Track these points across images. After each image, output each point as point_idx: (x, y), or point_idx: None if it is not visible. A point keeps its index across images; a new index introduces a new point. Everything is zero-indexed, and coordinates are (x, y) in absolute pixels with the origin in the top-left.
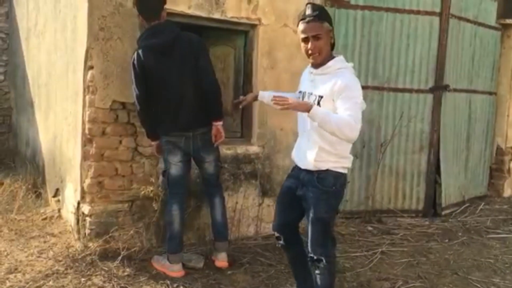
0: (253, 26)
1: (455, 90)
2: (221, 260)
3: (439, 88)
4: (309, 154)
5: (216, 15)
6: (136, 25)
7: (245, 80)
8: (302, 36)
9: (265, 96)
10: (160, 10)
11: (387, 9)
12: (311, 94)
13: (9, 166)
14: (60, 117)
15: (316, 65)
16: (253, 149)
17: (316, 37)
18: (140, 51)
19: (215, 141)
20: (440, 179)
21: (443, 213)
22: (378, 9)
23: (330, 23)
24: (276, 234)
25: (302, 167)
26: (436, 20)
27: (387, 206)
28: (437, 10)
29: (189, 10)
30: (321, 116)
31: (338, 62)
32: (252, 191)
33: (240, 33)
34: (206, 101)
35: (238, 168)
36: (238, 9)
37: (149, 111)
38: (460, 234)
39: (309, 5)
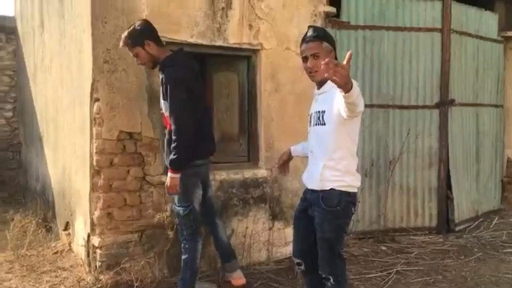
0: (256, 51)
1: (461, 104)
2: (238, 278)
3: (444, 103)
4: (314, 173)
5: (219, 42)
6: None
7: (250, 105)
8: (302, 55)
9: (298, 149)
10: None
11: (388, 28)
12: (317, 112)
13: (20, 201)
14: (69, 150)
15: (318, 85)
16: (261, 172)
17: (314, 56)
18: (183, 71)
19: None
20: (452, 194)
21: (456, 229)
22: (379, 28)
23: (331, 43)
24: (297, 260)
25: (309, 187)
26: (437, 36)
27: (400, 225)
28: (438, 26)
29: (192, 39)
30: (357, 89)
31: None
32: (262, 215)
33: (242, 59)
34: None
35: (247, 193)
36: (240, 35)
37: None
38: (475, 250)
39: (310, 28)
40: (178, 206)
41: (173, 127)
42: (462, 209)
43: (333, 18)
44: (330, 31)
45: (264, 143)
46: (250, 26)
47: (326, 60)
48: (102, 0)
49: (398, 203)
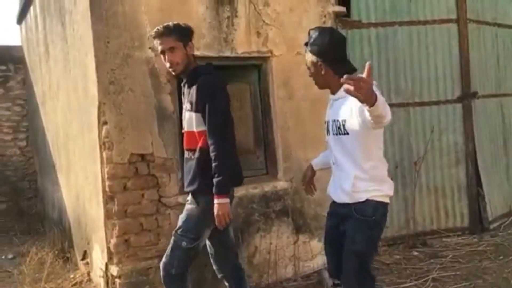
0: (266, 59)
1: (484, 96)
2: None
3: (467, 96)
4: (345, 186)
5: (227, 53)
6: (146, 73)
7: (263, 114)
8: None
9: (319, 162)
10: None
11: (401, 23)
12: (335, 120)
13: (38, 231)
14: (81, 177)
15: (332, 91)
16: (281, 184)
17: (309, 68)
18: (222, 85)
19: None
20: (483, 191)
21: (491, 227)
22: (392, 24)
23: (319, 53)
24: (335, 281)
25: (339, 201)
26: (454, 27)
27: (430, 227)
28: (453, 16)
29: (198, 52)
30: (382, 101)
31: None
32: (285, 229)
33: (253, 68)
34: None
35: (268, 207)
36: (248, 43)
37: None
38: None
39: (310, 31)
40: (182, 236)
41: (214, 142)
42: (495, 205)
43: (344, 18)
44: (341, 31)
45: (282, 154)
46: (258, 34)
47: (345, 76)
48: (103, 20)
49: (427, 205)
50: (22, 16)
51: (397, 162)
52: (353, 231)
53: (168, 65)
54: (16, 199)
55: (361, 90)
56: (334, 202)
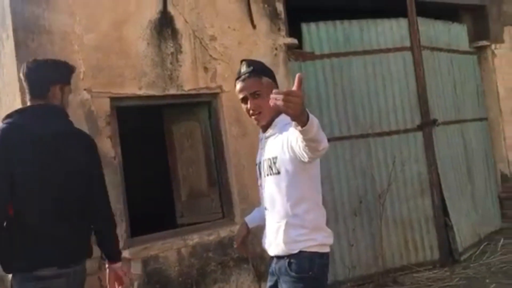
0: (215, 95)
1: (444, 123)
2: None
3: (427, 124)
4: (276, 235)
5: (172, 91)
6: (82, 118)
7: (217, 154)
8: (240, 96)
9: (255, 218)
10: None
11: (355, 53)
12: (264, 160)
13: None
14: None
15: (263, 128)
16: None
17: (254, 94)
18: None
19: None
20: (451, 221)
21: (461, 258)
22: (345, 54)
23: (271, 77)
24: None
25: (272, 254)
26: (408, 54)
27: (400, 263)
28: (407, 44)
29: (141, 91)
30: (314, 119)
31: (284, 116)
32: (246, 277)
33: (202, 105)
34: None
35: (225, 254)
36: (195, 80)
37: None
38: (488, 280)
39: (243, 62)
40: None
41: None
42: (464, 235)
43: (296, 50)
44: (294, 64)
45: (238, 195)
46: (206, 69)
47: (274, 91)
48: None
49: (395, 239)
50: None
51: (361, 196)
52: None
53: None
54: None
55: (290, 104)
56: (271, 257)
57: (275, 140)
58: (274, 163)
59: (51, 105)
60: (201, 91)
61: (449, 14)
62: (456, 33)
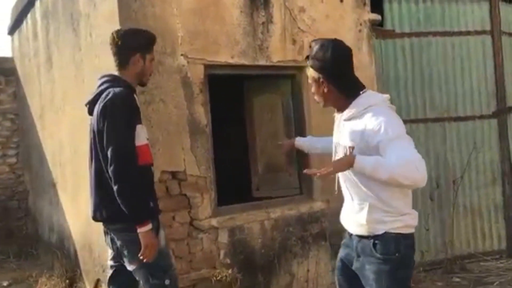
0: (300, 69)
1: None
2: None
3: (502, 112)
4: (358, 216)
5: (262, 62)
6: (178, 82)
7: (297, 128)
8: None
9: (304, 143)
10: None
11: (435, 34)
12: (340, 145)
13: (31, 254)
14: None
15: (339, 110)
16: (318, 205)
17: (311, 84)
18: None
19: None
20: None
21: None
22: (426, 34)
23: (321, 68)
24: None
25: (353, 232)
26: (488, 39)
27: (468, 250)
28: (488, 28)
29: (233, 60)
30: (371, 165)
31: (363, 99)
32: (323, 254)
33: (286, 78)
34: None
35: (304, 230)
36: (283, 52)
37: None
38: None
39: (313, 42)
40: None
41: None
42: None
43: (377, 27)
44: (375, 41)
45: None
46: (294, 41)
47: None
48: (132, 21)
49: (464, 227)
50: (15, 26)
51: (435, 181)
52: (377, 274)
53: None
54: (6, 220)
55: (329, 173)
56: (348, 232)
57: (353, 126)
58: (350, 152)
59: None
60: (288, 64)
61: None
62: None
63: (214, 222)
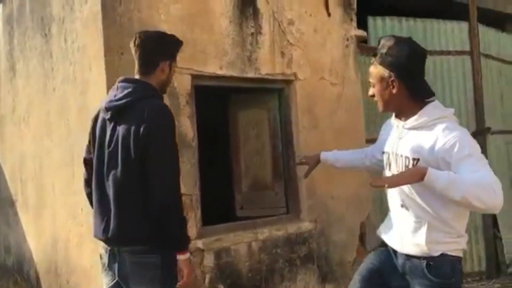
0: (289, 82)
1: (493, 132)
2: None
3: (482, 132)
4: (414, 236)
5: (250, 74)
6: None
7: (284, 145)
8: None
9: (329, 157)
10: None
11: None
12: (400, 155)
13: None
14: (63, 216)
15: (401, 116)
16: (305, 225)
17: (373, 84)
18: None
19: None
20: (499, 232)
21: (508, 271)
22: None
23: (394, 65)
24: None
25: (401, 251)
26: (467, 59)
27: None
28: (467, 49)
29: (221, 71)
30: (445, 180)
31: (433, 110)
32: (311, 277)
33: (273, 92)
34: None
35: (292, 252)
36: (272, 64)
37: None
38: None
39: (381, 40)
40: None
41: None
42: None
43: (362, 44)
44: (360, 57)
45: (306, 190)
46: (282, 54)
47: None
48: (117, 26)
49: None
50: None
51: None
52: None
53: None
54: None
55: (394, 183)
56: (387, 246)
57: (420, 137)
58: (414, 165)
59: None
60: (277, 77)
61: (494, 22)
62: (504, 43)
63: (199, 244)
